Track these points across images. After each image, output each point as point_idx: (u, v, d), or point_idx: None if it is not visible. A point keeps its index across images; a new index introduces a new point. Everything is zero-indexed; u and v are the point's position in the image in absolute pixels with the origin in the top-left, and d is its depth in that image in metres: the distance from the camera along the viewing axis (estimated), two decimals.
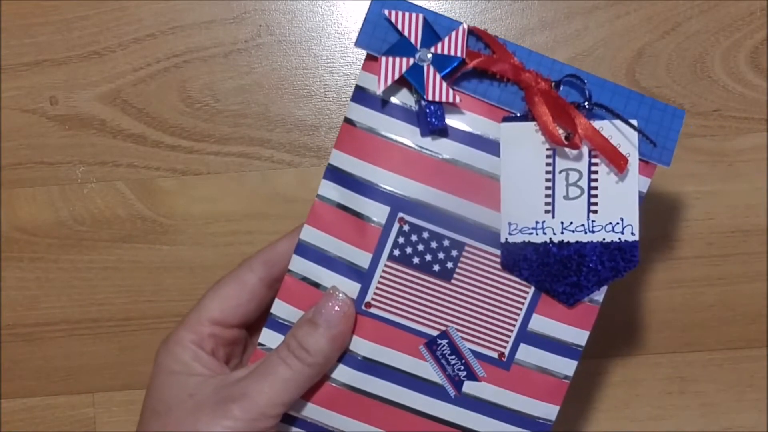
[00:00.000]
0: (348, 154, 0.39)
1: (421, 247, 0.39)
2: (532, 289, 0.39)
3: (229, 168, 0.54)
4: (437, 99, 0.37)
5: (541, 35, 0.54)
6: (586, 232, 0.39)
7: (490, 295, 0.39)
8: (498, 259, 0.39)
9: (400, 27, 0.37)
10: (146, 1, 0.54)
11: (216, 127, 0.54)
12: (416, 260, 0.39)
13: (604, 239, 0.38)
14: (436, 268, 0.39)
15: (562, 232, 0.39)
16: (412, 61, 0.37)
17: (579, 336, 0.40)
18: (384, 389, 0.39)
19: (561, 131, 0.38)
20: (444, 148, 0.38)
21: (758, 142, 0.54)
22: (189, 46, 0.54)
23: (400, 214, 0.39)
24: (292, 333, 0.39)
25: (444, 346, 0.39)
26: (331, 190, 0.39)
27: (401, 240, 0.39)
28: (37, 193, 0.54)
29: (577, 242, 0.39)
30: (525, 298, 0.39)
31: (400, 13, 0.37)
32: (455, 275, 0.39)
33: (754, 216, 0.54)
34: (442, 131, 0.38)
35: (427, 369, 0.40)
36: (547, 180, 0.39)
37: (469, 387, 0.40)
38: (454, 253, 0.39)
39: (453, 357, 0.39)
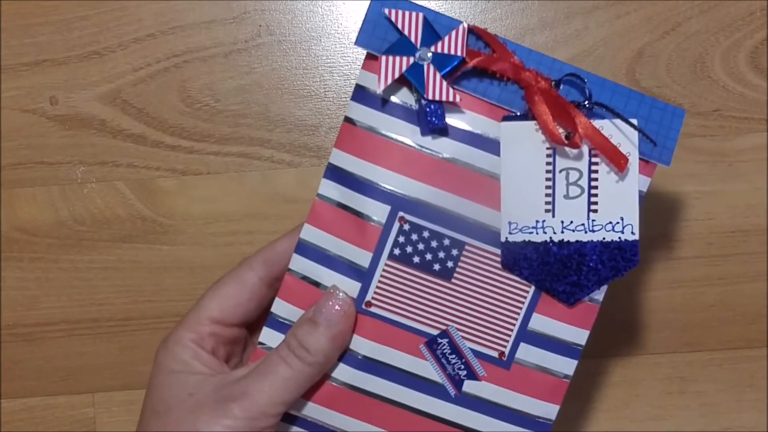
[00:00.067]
0: (348, 153, 0.39)
1: (421, 247, 0.39)
2: (533, 288, 0.39)
3: (229, 168, 0.54)
4: (437, 98, 0.37)
5: (541, 35, 0.54)
6: (586, 232, 0.39)
7: (490, 295, 0.39)
8: (498, 259, 0.39)
9: (400, 26, 0.37)
10: (146, 1, 0.54)
11: (216, 127, 0.54)
12: (416, 259, 0.39)
13: (604, 238, 0.38)
14: (437, 267, 0.39)
15: (563, 232, 0.39)
16: (412, 60, 0.37)
17: (579, 335, 0.40)
18: (384, 388, 0.39)
19: (561, 130, 0.38)
20: (444, 147, 0.38)
21: (758, 142, 0.54)
22: (189, 46, 0.54)
23: (401, 213, 0.39)
24: (292, 332, 0.39)
25: (444, 345, 0.39)
26: (331, 189, 0.39)
27: (401, 239, 0.39)
28: (37, 193, 0.54)
29: (577, 241, 0.39)
30: (525, 298, 0.39)
31: (400, 12, 0.37)
32: (455, 274, 0.39)
33: (754, 216, 0.54)
34: (443, 130, 0.38)
35: (427, 368, 0.40)
36: (548, 179, 0.39)
37: (469, 386, 0.40)
38: (455, 252, 0.39)
39: (453, 356, 0.39)
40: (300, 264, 0.39)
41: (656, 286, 0.54)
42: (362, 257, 0.39)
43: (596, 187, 0.38)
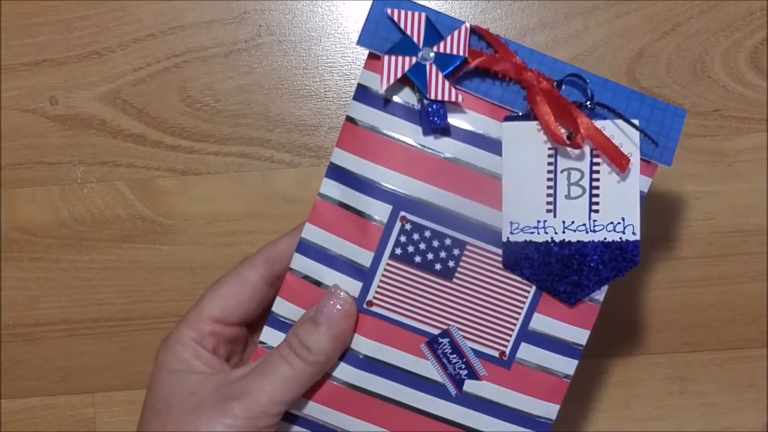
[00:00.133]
0: (350, 152, 0.39)
1: (422, 246, 0.39)
2: (534, 288, 0.39)
3: (229, 168, 0.54)
4: (439, 98, 0.37)
5: (541, 35, 0.54)
6: (587, 232, 0.39)
7: (491, 294, 0.39)
8: (499, 258, 0.39)
9: (402, 26, 0.37)
10: (146, 1, 0.54)
11: (216, 127, 0.54)
12: (418, 259, 0.39)
13: (605, 239, 0.39)
14: (438, 266, 0.39)
15: (564, 232, 0.39)
16: (414, 59, 0.37)
17: (580, 335, 0.40)
18: (385, 388, 0.39)
19: (563, 130, 0.38)
20: (446, 147, 0.38)
21: (758, 142, 0.54)
22: (189, 46, 0.54)
23: (402, 213, 0.39)
24: (293, 331, 0.39)
25: (445, 344, 0.39)
26: (332, 189, 0.39)
27: (403, 239, 0.39)
28: (37, 193, 0.54)
29: (578, 241, 0.39)
30: (526, 297, 0.39)
31: (402, 12, 0.37)
32: (457, 274, 0.39)
33: (754, 216, 0.54)
34: (444, 130, 0.38)
35: (428, 367, 0.40)
36: (549, 179, 0.39)
37: (470, 386, 0.40)
38: (456, 252, 0.39)
39: (454, 356, 0.39)
40: (301, 263, 0.39)
41: (656, 286, 0.54)
42: (364, 257, 0.39)
43: (597, 188, 0.38)
